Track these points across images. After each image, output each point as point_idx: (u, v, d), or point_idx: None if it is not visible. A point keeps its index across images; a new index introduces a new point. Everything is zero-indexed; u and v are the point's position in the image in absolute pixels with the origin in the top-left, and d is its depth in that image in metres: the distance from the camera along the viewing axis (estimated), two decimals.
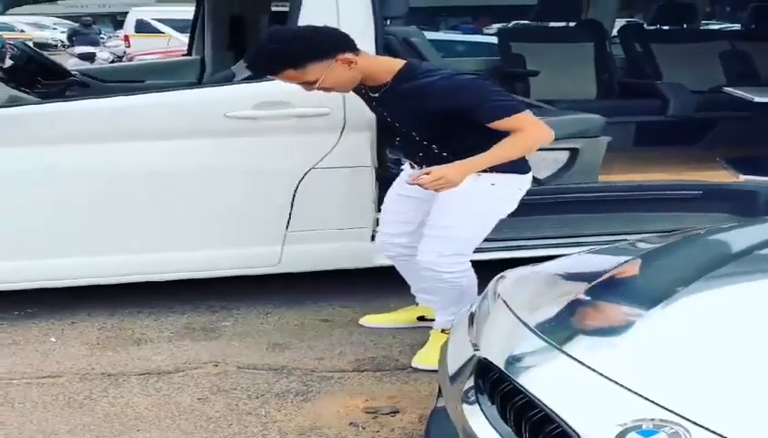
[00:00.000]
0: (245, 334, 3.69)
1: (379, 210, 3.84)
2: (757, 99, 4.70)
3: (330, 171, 3.77)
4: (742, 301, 2.03)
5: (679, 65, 6.22)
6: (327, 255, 3.88)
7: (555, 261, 2.66)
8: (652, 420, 1.58)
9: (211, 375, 3.28)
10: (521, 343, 2.04)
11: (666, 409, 1.59)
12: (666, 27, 6.64)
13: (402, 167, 3.65)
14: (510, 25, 9.30)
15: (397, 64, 3.13)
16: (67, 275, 3.77)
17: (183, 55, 6.84)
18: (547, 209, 4.25)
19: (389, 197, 3.48)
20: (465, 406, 2.04)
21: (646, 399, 1.63)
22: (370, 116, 3.75)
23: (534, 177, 3.58)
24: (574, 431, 1.65)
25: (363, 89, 3.22)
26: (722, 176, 4.69)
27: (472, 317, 2.48)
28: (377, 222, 3.86)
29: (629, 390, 1.67)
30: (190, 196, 3.75)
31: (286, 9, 6.02)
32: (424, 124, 3.11)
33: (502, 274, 2.63)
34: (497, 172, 3.11)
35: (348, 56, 3.01)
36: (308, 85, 3.07)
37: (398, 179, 3.47)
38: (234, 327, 3.77)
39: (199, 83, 5.50)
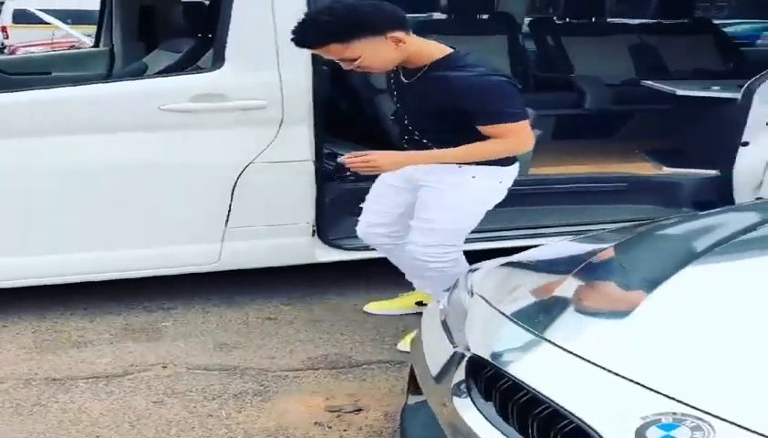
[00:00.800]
0: (188, 334, 3.59)
1: (318, 204, 3.83)
2: (680, 92, 4.85)
3: (269, 165, 3.70)
4: (740, 285, 2.07)
5: (591, 58, 6.38)
6: (268, 251, 3.82)
7: (524, 253, 2.68)
8: (673, 414, 1.61)
9: (162, 377, 3.18)
10: (515, 340, 2.05)
11: (684, 403, 1.61)
12: (575, 21, 6.80)
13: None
14: (421, 16, 9.35)
15: (440, 51, 3.04)
16: None
17: (71, 46, 6.60)
18: None
19: (377, 187, 3.44)
20: (458, 404, 2.03)
21: (661, 394, 1.65)
22: (308, 109, 3.72)
23: None
24: (590, 427, 1.66)
25: (394, 74, 3.16)
26: (645, 168, 4.84)
27: (442, 313, 2.50)
28: (317, 216, 3.84)
29: (643, 385, 1.69)
30: (123, 192, 3.62)
31: None
32: (431, 117, 3.07)
33: (469, 268, 2.66)
34: (477, 164, 3.11)
35: (399, 34, 2.92)
36: (348, 61, 2.95)
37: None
38: (176, 327, 3.67)
39: (108, 75, 5.32)
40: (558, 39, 6.65)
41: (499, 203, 4.34)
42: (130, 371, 3.22)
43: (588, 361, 1.82)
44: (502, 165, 3.19)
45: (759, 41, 10.64)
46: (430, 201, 3.20)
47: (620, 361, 1.78)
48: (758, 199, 4.20)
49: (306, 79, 3.67)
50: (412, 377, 2.53)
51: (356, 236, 3.90)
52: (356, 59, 2.93)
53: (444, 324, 2.41)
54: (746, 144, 4.31)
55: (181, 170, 3.65)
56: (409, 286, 3.68)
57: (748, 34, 10.92)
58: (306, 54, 3.62)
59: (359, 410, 2.93)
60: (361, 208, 3.51)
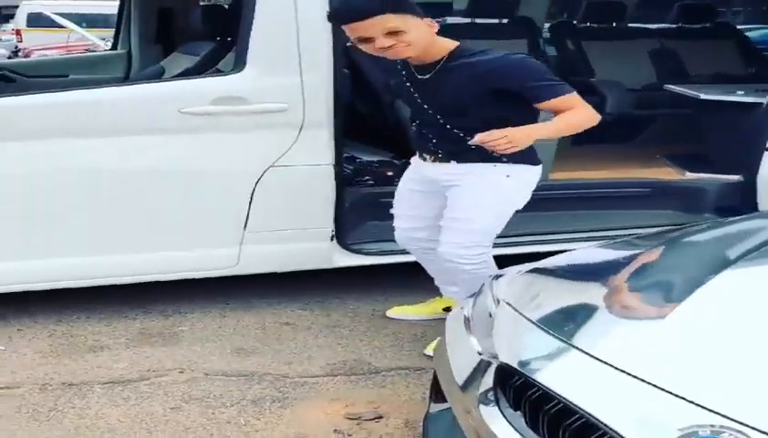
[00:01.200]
0: (205, 339, 3.55)
1: (338, 209, 3.78)
2: (703, 97, 4.80)
3: (289, 169, 3.66)
4: None
5: (611, 62, 6.31)
6: (287, 255, 3.77)
7: (550, 259, 2.63)
8: (711, 426, 1.55)
9: (179, 383, 3.13)
10: (545, 348, 1.99)
11: (722, 415, 1.56)
12: (596, 25, 6.74)
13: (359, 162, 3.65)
14: (441, 21, 9.31)
15: (450, 43, 3.09)
16: (10, 280, 3.56)
17: (86, 49, 6.58)
18: None
19: (401, 193, 3.44)
20: (485, 413, 1.98)
21: (699, 405, 1.60)
22: (329, 113, 3.68)
23: None
24: None
25: (406, 73, 3.15)
26: (667, 173, 4.78)
27: (466, 320, 2.45)
28: (335, 220, 3.79)
29: (680, 396, 1.63)
30: (143, 195, 3.59)
31: (218, 1, 5.91)
32: (464, 105, 3.06)
33: (494, 275, 2.61)
34: (513, 162, 3.12)
35: (430, 20, 2.99)
36: (391, 37, 2.91)
37: (406, 175, 3.44)
38: (192, 331, 3.63)
39: (126, 78, 5.30)
40: (578, 43, 6.59)
41: (520, 208, 4.36)
42: (147, 377, 3.18)
43: (622, 371, 1.76)
44: (532, 164, 3.19)
45: None
46: (464, 200, 3.18)
47: (655, 371, 1.73)
48: None
49: (328, 83, 3.64)
50: (435, 384, 2.48)
51: (374, 241, 3.89)
52: (401, 33, 2.90)
53: (469, 330, 2.37)
54: None
55: (201, 173, 3.62)
56: (434, 292, 3.65)
57: (765, 39, 10.85)
58: (327, 56, 3.60)
59: (380, 417, 2.88)
60: (391, 213, 3.49)
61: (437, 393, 2.46)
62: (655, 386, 1.68)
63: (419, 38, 2.96)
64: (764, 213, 3.26)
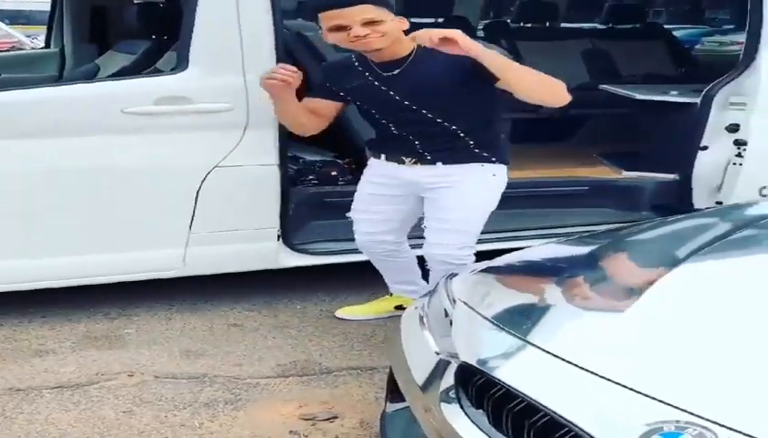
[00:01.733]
0: (152, 341, 3.51)
1: (283, 209, 3.77)
2: (639, 97, 4.91)
3: (234, 169, 3.63)
4: (730, 288, 2.08)
5: (545, 62, 6.37)
6: (233, 256, 3.75)
7: (503, 257, 2.67)
8: (675, 422, 1.60)
9: (129, 386, 3.09)
10: (507, 347, 2.03)
11: (686, 411, 1.60)
12: (529, 25, 6.84)
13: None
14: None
15: (413, 42, 3.09)
16: None
17: (11, 47, 6.45)
18: None
19: (362, 197, 3.44)
20: (447, 412, 2.00)
21: (662, 402, 1.64)
22: (273, 112, 3.66)
23: None
24: (591, 436, 1.65)
25: (368, 71, 3.16)
26: (603, 172, 4.88)
27: (422, 319, 2.47)
28: (281, 221, 3.78)
29: (643, 393, 1.68)
30: (85, 197, 3.52)
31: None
32: (447, 93, 3.07)
33: (448, 275, 2.64)
34: (499, 162, 3.23)
35: (401, 18, 3.07)
36: (366, 26, 2.97)
37: (367, 178, 3.44)
38: (139, 334, 3.58)
39: (60, 77, 5.20)
40: (513, 43, 6.66)
41: None
42: (96, 380, 3.13)
43: (583, 368, 1.81)
44: (507, 165, 3.30)
45: (698, 46, 10.85)
46: (455, 201, 3.21)
47: (617, 368, 1.77)
48: (718, 203, 4.27)
49: None
50: (391, 383, 2.50)
51: (320, 241, 3.90)
52: (378, 23, 2.97)
53: (426, 330, 2.39)
54: (705, 148, 4.37)
55: (144, 174, 3.56)
56: (381, 291, 3.69)
57: (687, 39, 11.17)
58: (269, 56, 3.58)
59: (334, 417, 2.89)
60: (339, 213, 3.55)
61: (393, 392, 2.48)
62: (617, 383, 1.73)
63: (391, 31, 3.03)
64: (708, 212, 3.36)
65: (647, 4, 7.72)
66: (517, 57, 6.48)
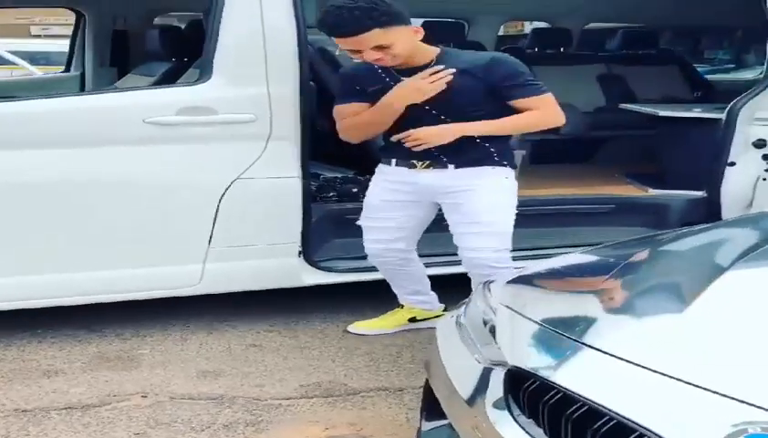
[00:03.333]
0: (168, 362, 3.35)
1: (304, 224, 3.64)
2: (662, 114, 4.81)
3: (256, 181, 3.52)
4: None
5: (561, 86, 6.31)
6: (253, 273, 3.61)
7: (540, 263, 2.55)
8: (760, 423, 1.45)
9: (143, 407, 2.93)
10: (561, 350, 1.88)
11: None
12: (545, 51, 6.76)
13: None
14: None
15: (434, 48, 3.18)
16: None
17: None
18: None
19: (374, 204, 3.37)
20: (499, 425, 1.85)
21: (743, 402, 1.50)
22: (297, 124, 3.56)
23: None
24: None
25: (389, 76, 3.15)
26: (629, 190, 4.77)
27: (459, 328, 2.33)
28: (303, 236, 3.64)
29: (720, 394, 1.53)
30: (100, 209, 3.40)
31: (173, 23, 5.91)
32: (465, 101, 3.10)
33: (484, 282, 2.49)
34: (508, 165, 3.23)
35: (417, 27, 3.08)
36: (378, 50, 3.00)
37: (377, 186, 3.36)
38: (153, 354, 3.42)
39: None
40: (529, 68, 6.57)
41: None
42: (108, 401, 2.97)
43: (652, 370, 1.66)
44: (514, 168, 3.29)
45: None
46: (480, 205, 3.17)
47: (687, 369, 1.63)
48: None
49: (295, 95, 3.52)
50: (428, 399, 2.35)
51: (342, 258, 3.76)
52: (388, 47, 2.99)
53: (465, 340, 2.24)
54: (733, 164, 4.26)
55: (164, 185, 3.45)
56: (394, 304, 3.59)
57: None
58: (293, 68, 3.48)
59: None
60: (358, 229, 3.42)
61: (429, 409, 2.33)
62: (691, 384, 1.58)
63: (404, 48, 3.05)
64: (744, 219, 3.23)
65: (658, 33, 7.65)
66: None
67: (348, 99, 3.27)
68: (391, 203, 3.31)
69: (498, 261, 3.16)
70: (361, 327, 3.65)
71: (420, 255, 3.61)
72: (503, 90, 3.10)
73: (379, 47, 2.99)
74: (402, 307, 3.63)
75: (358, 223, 3.43)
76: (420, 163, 3.21)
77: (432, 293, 3.61)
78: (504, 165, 3.24)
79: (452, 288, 3.40)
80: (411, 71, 3.12)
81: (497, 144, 3.22)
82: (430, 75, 3.07)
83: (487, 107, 3.13)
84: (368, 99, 3.22)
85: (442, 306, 3.63)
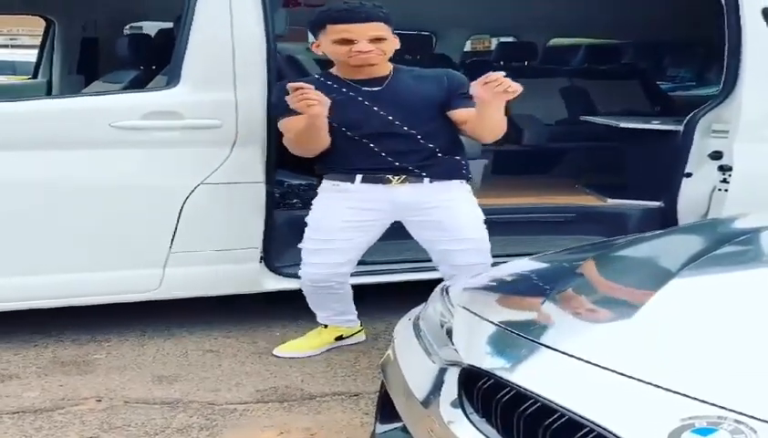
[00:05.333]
0: (124, 367, 3.32)
1: (266, 230, 3.62)
2: (622, 125, 4.87)
3: (220, 187, 3.50)
4: (727, 294, 2.01)
5: (525, 99, 6.35)
6: (213, 278, 3.58)
7: (500, 267, 2.56)
8: (707, 418, 1.47)
9: (96, 411, 2.90)
10: (516, 348, 1.89)
11: (717, 406, 1.49)
12: (510, 64, 6.82)
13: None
14: None
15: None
16: None
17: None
18: None
19: (332, 225, 3.22)
20: (453, 424, 1.85)
21: (690, 397, 1.52)
22: (263, 130, 3.54)
23: None
24: (617, 436, 1.51)
25: (345, 87, 3.14)
26: (587, 200, 4.82)
27: (416, 330, 2.33)
28: (264, 242, 3.63)
29: (670, 390, 1.55)
30: (62, 212, 3.36)
31: (141, 31, 5.90)
32: (427, 111, 3.13)
33: (442, 285, 2.50)
34: (470, 180, 3.28)
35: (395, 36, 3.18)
36: (372, 42, 3.05)
37: (337, 204, 3.22)
38: (109, 359, 3.39)
39: None
40: None
41: None
42: (61, 406, 2.94)
43: (604, 368, 1.68)
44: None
45: None
46: (461, 220, 3.20)
47: (639, 366, 1.65)
48: None
49: (262, 102, 3.51)
50: (383, 402, 2.35)
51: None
52: (382, 41, 3.07)
53: (422, 341, 2.25)
54: (689, 175, 4.32)
55: (127, 189, 3.42)
56: (365, 315, 3.59)
57: None
58: (261, 75, 3.48)
59: None
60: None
61: (384, 412, 2.33)
62: (642, 381, 1.60)
63: (390, 50, 3.13)
64: (694, 226, 3.29)
65: (621, 48, 7.76)
66: None
67: (296, 112, 3.16)
68: (355, 223, 3.19)
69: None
70: (288, 349, 3.50)
71: (390, 262, 3.64)
72: (455, 98, 3.13)
73: (376, 39, 3.05)
74: (326, 326, 3.52)
75: (301, 246, 3.30)
76: (397, 178, 3.15)
77: (355, 309, 3.53)
78: (469, 179, 3.29)
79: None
80: (372, 82, 3.14)
81: (464, 157, 3.25)
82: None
83: (441, 118, 3.16)
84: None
85: (359, 320, 3.58)
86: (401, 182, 3.16)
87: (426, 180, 3.17)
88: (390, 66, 3.20)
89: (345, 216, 3.19)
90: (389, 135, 3.13)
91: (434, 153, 3.16)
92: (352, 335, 3.57)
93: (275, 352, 3.48)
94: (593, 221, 4.50)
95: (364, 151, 3.15)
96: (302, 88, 2.92)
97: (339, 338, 3.52)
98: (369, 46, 3.05)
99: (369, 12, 3.07)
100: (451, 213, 3.18)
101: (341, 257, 3.24)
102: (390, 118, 3.12)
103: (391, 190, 3.16)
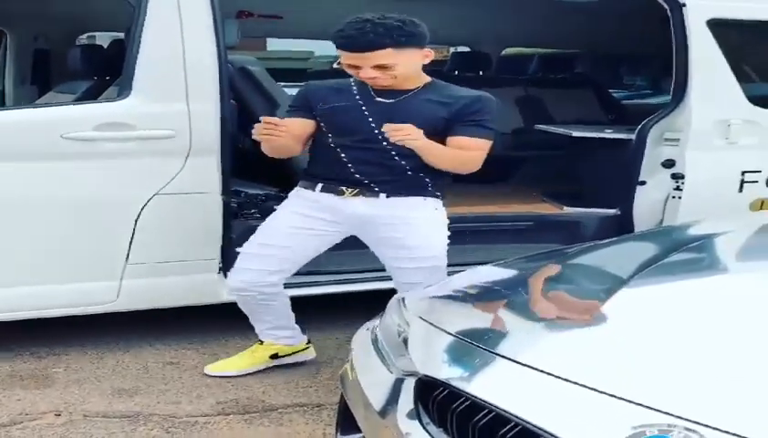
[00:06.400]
0: (83, 380, 3.30)
1: (225, 240, 3.63)
2: (575, 134, 4.95)
3: (175, 197, 3.49)
4: (680, 301, 2.07)
5: None
6: (172, 289, 3.58)
7: (454, 277, 2.60)
8: (658, 425, 1.52)
9: (55, 426, 2.89)
10: (469, 358, 1.93)
11: (668, 413, 1.53)
12: (465, 73, 6.88)
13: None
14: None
15: (427, 77, 3.10)
16: None
17: None
18: None
19: (275, 230, 3.17)
20: (409, 433, 1.89)
21: (643, 406, 1.57)
22: (217, 141, 3.55)
23: None
24: None
25: (362, 94, 3.05)
26: (545, 208, 4.88)
27: (374, 341, 2.36)
28: (223, 252, 3.63)
29: (621, 398, 1.60)
30: (15, 224, 3.33)
31: (93, 42, 5.87)
32: (423, 131, 2.96)
33: (397, 297, 2.53)
34: (438, 196, 3.15)
35: (428, 51, 3.02)
36: (381, 69, 2.91)
37: (289, 210, 3.17)
38: (68, 373, 3.37)
39: None
40: None
41: None
42: (19, 420, 2.92)
43: (558, 377, 1.72)
44: (443, 199, 3.21)
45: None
46: (417, 239, 3.08)
47: (592, 375, 1.69)
48: None
49: (215, 112, 3.52)
50: (343, 414, 2.37)
51: None
52: (390, 68, 2.91)
53: (379, 352, 2.28)
54: (644, 183, 4.40)
55: (82, 200, 3.40)
56: (325, 328, 3.54)
57: None
58: (213, 85, 3.49)
59: None
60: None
61: (344, 423, 2.36)
62: (594, 389, 1.65)
63: (407, 70, 2.98)
64: (644, 234, 3.37)
65: (575, 58, 7.86)
66: None
67: (289, 113, 3.19)
68: (300, 230, 3.13)
69: None
70: (220, 368, 3.42)
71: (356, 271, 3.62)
72: (459, 122, 3.00)
73: (381, 67, 2.91)
74: (262, 343, 3.44)
75: (247, 250, 3.23)
76: (349, 190, 3.07)
77: (296, 326, 3.44)
78: (437, 196, 3.15)
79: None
80: (393, 93, 3.01)
81: (432, 173, 3.09)
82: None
83: (434, 139, 3.01)
84: (312, 116, 3.11)
85: (305, 338, 3.50)
86: (354, 194, 3.07)
87: (382, 195, 3.06)
88: (424, 80, 3.06)
89: (294, 222, 3.15)
90: (366, 149, 3.04)
91: (404, 171, 3.05)
92: (293, 353, 3.47)
93: (205, 370, 3.41)
94: (551, 229, 4.56)
95: (333, 159, 3.09)
96: (272, 124, 2.94)
97: (275, 356, 3.43)
98: (374, 73, 2.92)
99: (373, 40, 2.88)
100: (408, 231, 3.08)
101: (271, 265, 3.17)
102: (376, 131, 3.01)
103: (345, 201, 3.08)
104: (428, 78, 3.09)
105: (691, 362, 1.71)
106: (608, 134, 4.84)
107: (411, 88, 3.03)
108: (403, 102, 3.01)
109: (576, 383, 1.68)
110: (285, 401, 3.16)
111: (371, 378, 2.21)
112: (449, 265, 4.01)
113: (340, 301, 3.81)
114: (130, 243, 3.46)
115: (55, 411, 3.01)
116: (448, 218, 3.89)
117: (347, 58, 2.96)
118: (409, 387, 2.00)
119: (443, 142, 3.02)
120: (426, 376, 1.95)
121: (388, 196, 3.08)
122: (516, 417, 1.66)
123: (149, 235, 3.47)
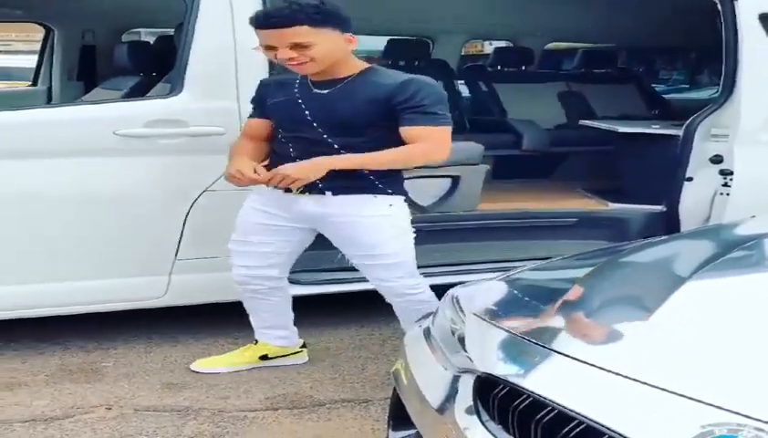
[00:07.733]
0: (132, 374, 3.33)
1: None
2: (622, 130, 4.90)
3: (224, 193, 3.49)
4: (740, 300, 2.02)
5: (523, 104, 6.42)
6: (219, 285, 3.56)
7: (510, 273, 2.57)
8: (727, 425, 1.49)
9: (107, 419, 2.91)
10: (531, 357, 1.91)
11: (738, 413, 1.50)
12: (507, 69, 6.85)
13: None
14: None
15: (364, 64, 3.05)
16: None
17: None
18: (429, 237, 4.17)
19: (249, 227, 3.16)
20: (468, 430, 1.88)
21: (711, 405, 1.53)
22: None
23: (416, 205, 3.65)
24: None
25: (302, 87, 3.03)
26: (589, 204, 4.84)
27: (428, 338, 2.35)
28: None
29: (688, 397, 1.57)
30: (68, 220, 3.38)
31: (138, 38, 5.93)
32: (357, 124, 2.93)
33: (450, 292, 2.51)
34: (393, 192, 3.06)
35: (351, 36, 2.93)
36: (299, 49, 2.85)
37: (252, 207, 3.16)
38: (117, 367, 3.40)
39: None
40: (490, 85, 6.69)
41: (447, 238, 4.30)
42: (72, 414, 2.95)
43: (621, 375, 1.69)
44: (403, 195, 3.12)
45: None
46: (369, 237, 3.03)
47: (656, 374, 1.66)
48: None
49: None
50: (395, 410, 2.36)
51: (309, 270, 3.74)
52: (306, 47, 2.84)
53: (434, 349, 2.27)
54: (690, 179, 4.34)
55: (132, 197, 3.44)
56: (375, 320, 3.55)
57: None
58: None
59: None
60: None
61: (396, 419, 2.35)
62: (660, 388, 1.62)
63: (326, 55, 2.90)
64: (699, 232, 3.31)
65: (617, 52, 7.80)
66: (494, 98, 6.58)
67: (252, 114, 3.19)
68: (266, 226, 3.13)
69: (411, 287, 3.09)
70: (207, 364, 3.41)
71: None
72: (400, 113, 2.91)
73: (297, 46, 2.84)
74: (256, 342, 3.43)
75: (230, 246, 3.24)
76: (296, 189, 2.99)
77: (294, 328, 3.43)
78: (389, 193, 3.04)
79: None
80: (328, 83, 2.97)
81: (381, 174, 3.01)
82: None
83: (379, 131, 2.95)
84: (265, 114, 3.12)
85: (301, 341, 3.48)
86: (300, 191, 3.00)
87: (328, 193, 3.01)
88: (359, 66, 3.00)
89: (258, 218, 3.15)
90: (311, 141, 2.98)
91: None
92: (284, 356, 3.44)
93: (191, 367, 3.39)
94: (595, 225, 4.51)
95: (284, 153, 3.04)
96: (236, 179, 3.00)
97: (264, 357, 3.40)
98: (290, 54, 2.85)
99: (287, 16, 2.83)
100: (362, 229, 3.02)
101: (258, 261, 3.17)
102: (315, 124, 2.97)
103: (295, 199, 3.05)
104: (365, 65, 3.04)
105: (759, 361, 1.68)
106: (656, 130, 4.79)
107: (346, 76, 2.98)
108: (337, 91, 2.97)
109: (640, 382, 1.65)
110: (333, 396, 3.16)
111: (426, 374, 2.20)
112: (491, 262, 4.05)
113: (381, 298, 3.79)
114: (180, 239, 3.48)
115: (106, 404, 3.03)
116: (490, 215, 3.87)
117: (263, 38, 2.92)
118: (466, 384, 1.99)
119: (394, 128, 2.93)
120: (485, 373, 1.93)
121: (334, 194, 3.01)
122: (580, 415, 1.64)
123: (198, 231, 3.49)
